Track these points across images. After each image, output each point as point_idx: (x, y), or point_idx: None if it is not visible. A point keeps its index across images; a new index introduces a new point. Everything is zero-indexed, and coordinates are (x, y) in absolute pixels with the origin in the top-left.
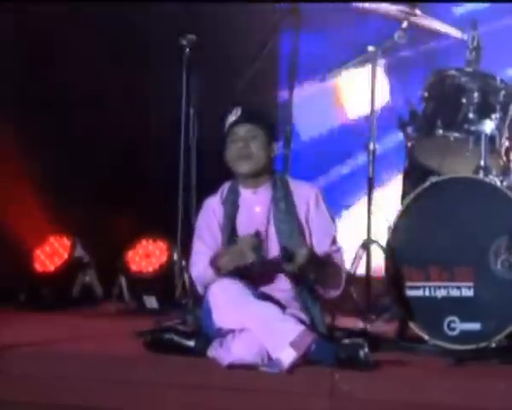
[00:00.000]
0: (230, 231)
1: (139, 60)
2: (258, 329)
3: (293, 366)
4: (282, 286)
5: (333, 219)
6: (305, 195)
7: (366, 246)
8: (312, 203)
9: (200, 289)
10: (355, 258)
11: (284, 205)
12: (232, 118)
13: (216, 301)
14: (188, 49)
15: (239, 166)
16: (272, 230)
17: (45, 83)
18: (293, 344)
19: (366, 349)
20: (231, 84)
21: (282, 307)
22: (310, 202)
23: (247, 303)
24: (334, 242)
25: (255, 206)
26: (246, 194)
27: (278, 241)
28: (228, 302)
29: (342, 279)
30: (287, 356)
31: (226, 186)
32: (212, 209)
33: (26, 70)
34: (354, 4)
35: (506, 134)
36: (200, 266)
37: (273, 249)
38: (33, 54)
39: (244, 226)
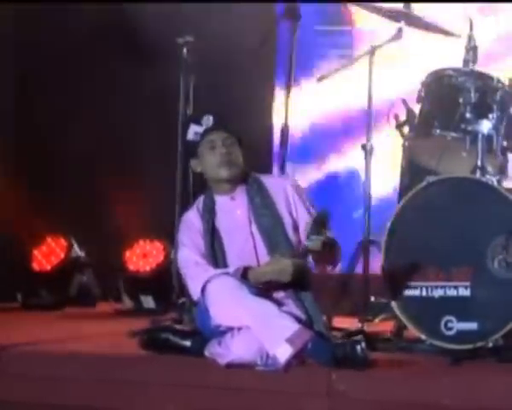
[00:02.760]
0: (211, 240)
1: (137, 61)
2: (255, 325)
3: (290, 363)
4: (275, 282)
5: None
6: (280, 187)
7: (363, 246)
8: (291, 194)
9: (196, 297)
10: (352, 258)
11: (260, 200)
12: (207, 124)
13: (214, 297)
14: (185, 50)
15: (220, 172)
16: (255, 228)
17: (41, 85)
18: (289, 341)
19: (363, 345)
20: (228, 85)
21: (278, 304)
22: (288, 193)
23: (244, 299)
24: None
25: (235, 210)
26: (223, 200)
27: (262, 237)
28: (226, 298)
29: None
30: (283, 352)
31: (201, 199)
32: (191, 222)
33: (22, 72)
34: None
35: (503, 134)
36: (201, 275)
37: (259, 247)
38: (27, 60)
39: (227, 232)
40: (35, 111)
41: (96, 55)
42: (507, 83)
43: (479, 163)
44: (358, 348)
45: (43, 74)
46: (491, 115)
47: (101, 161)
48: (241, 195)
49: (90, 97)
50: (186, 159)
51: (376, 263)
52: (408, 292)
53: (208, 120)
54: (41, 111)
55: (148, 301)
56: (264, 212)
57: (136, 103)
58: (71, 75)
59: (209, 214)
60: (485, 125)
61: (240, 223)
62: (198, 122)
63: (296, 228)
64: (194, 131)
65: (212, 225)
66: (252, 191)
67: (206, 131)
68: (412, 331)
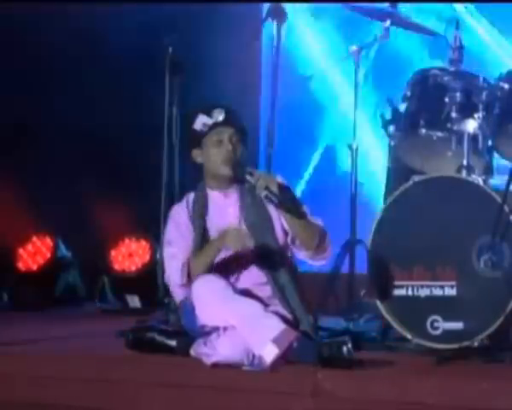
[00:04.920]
0: (202, 236)
1: (122, 61)
2: (241, 325)
3: (276, 363)
4: (258, 280)
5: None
6: None
7: (350, 245)
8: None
9: (177, 298)
10: (338, 257)
11: (251, 198)
12: (216, 118)
13: (199, 296)
14: (170, 49)
15: (222, 170)
16: (244, 226)
17: (26, 84)
18: (275, 341)
19: (349, 345)
20: (214, 85)
21: (264, 304)
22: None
23: (230, 299)
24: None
25: (227, 207)
26: (216, 196)
27: (250, 234)
28: (212, 298)
29: (327, 242)
30: (269, 353)
31: (191, 194)
32: (178, 216)
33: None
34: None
35: (489, 133)
36: (177, 273)
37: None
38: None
39: (216, 229)
40: (20, 109)
41: (77, 56)
42: (493, 82)
43: (464, 162)
44: (344, 347)
45: (24, 79)
46: (476, 115)
47: (87, 160)
48: (234, 192)
49: (74, 96)
50: (183, 147)
51: (362, 262)
52: (394, 292)
53: (219, 115)
54: (26, 109)
55: (134, 301)
56: (254, 211)
57: (121, 101)
58: (56, 74)
59: (200, 210)
60: (471, 125)
61: (230, 220)
62: (208, 114)
63: (285, 228)
64: (202, 121)
65: (202, 221)
66: (244, 189)
67: (215, 125)
68: (398, 331)
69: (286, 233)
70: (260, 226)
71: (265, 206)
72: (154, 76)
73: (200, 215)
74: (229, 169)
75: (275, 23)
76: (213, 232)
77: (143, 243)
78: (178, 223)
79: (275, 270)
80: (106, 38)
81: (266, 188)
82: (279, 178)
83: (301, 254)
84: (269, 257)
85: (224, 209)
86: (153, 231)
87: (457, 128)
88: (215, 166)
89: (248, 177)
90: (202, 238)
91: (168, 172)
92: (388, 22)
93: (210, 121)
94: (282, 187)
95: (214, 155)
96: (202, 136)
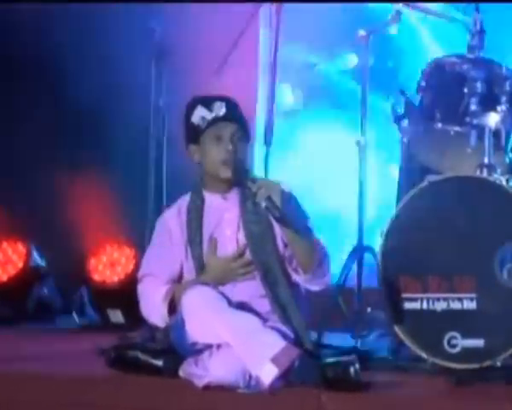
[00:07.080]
0: (199, 243)
1: (107, 51)
2: (236, 342)
3: (275, 385)
4: (256, 293)
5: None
6: None
7: (357, 253)
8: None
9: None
10: (344, 266)
11: (251, 204)
12: (217, 112)
13: (190, 309)
14: (158, 34)
15: (221, 172)
16: (241, 235)
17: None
18: (274, 360)
19: (357, 365)
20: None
21: (262, 319)
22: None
23: (224, 312)
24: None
25: (225, 212)
26: (213, 199)
27: (248, 244)
28: (204, 311)
29: (327, 267)
30: (267, 373)
31: (186, 198)
32: (166, 228)
33: None
34: None
35: None
36: (150, 295)
37: (245, 254)
38: None
39: (214, 234)
40: None
41: (63, 47)
42: None
43: (486, 161)
44: (351, 368)
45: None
46: (499, 108)
47: (62, 156)
48: (234, 196)
49: (48, 85)
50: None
51: (372, 272)
52: (407, 305)
53: (220, 108)
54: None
55: (117, 316)
56: (254, 218)
57: (101, 91)
58: (33, 64)
59: (196, 219)
60: (493, 119)
61: (226, 228)
62: (208, 107)
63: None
64: (200, 115)
65: (200, 233)
66: (245, 194)
67: (216, 120)
68: (411, 349)
69: (286, 245)
70: (260, 235)
71: (267, 215)
72: (139, 64)
73: (196, 223)
74: (229, 172)
75: (273, 7)
76: (205, 241)
77: (127, 250)
78: (163, 239)
79: (274, 284)
80: (90, 22)
81: (268, 198)
82: (285, 186)
83: (297, 278)
84: (268, 270)
85: (221, 214)
86: (137, 237)
87: (477, 122)
88: (214, 167)
89: (250, 183)
90: (199, 247)
91: (155, 171)
92: (401, 4)
93: (209, 116)
94: (286, 198)
95: (213, 155)
96: (200, 131)
